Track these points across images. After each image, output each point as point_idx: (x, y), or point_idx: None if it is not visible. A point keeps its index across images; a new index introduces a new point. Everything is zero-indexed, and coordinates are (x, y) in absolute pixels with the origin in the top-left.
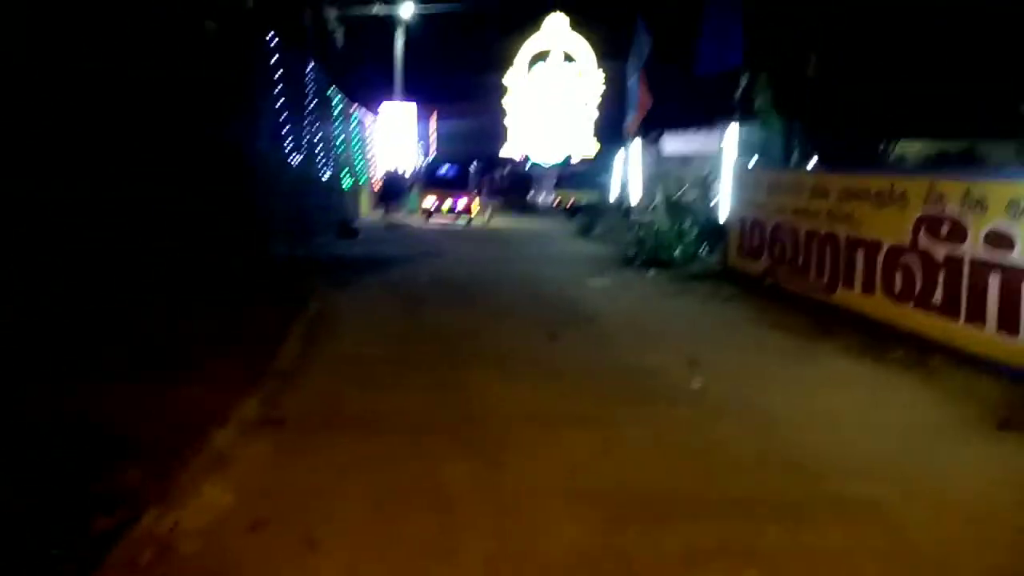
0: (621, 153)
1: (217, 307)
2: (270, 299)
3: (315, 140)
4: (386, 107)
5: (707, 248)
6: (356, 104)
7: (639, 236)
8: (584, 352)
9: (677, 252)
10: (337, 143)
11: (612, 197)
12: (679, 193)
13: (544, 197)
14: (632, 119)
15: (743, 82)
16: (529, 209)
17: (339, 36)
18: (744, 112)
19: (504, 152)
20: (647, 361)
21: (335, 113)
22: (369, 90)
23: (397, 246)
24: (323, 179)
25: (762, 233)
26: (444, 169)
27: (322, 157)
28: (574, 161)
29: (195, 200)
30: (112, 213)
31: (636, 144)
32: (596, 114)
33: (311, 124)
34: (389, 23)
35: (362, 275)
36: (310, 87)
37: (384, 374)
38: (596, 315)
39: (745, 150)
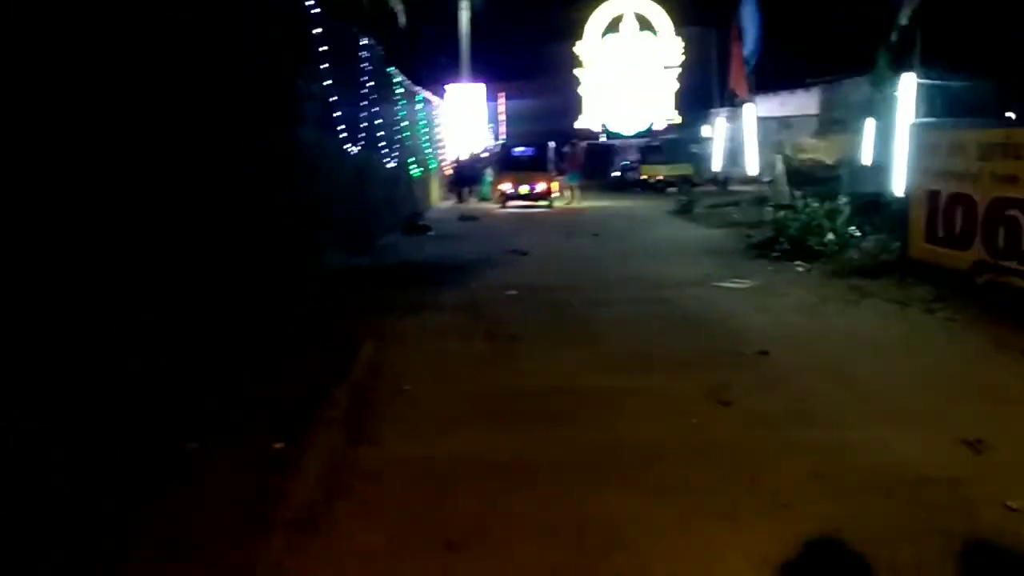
0: (715, 122)
1: (230, 359)
2: (310, 337)
3: (376, 126)
4: (453, 88)
5: (860, 231)
6: (420, 86)
7: (776, 218)
8: (784, 434)
9: (829, 237)
10: (402, 128)
11: (707, 169)
12: (801, 161)
13: (629, 173)
14: (734, 79)
15: (902, 20)
16: (613, 187)
17: (400, 14)
18: (899, 59)
19: (580, 124)
20: (904, 456)
21: (397, 96)
22: (434, 70)
23: (474, 243)
24: (387, 169)
25: (969, 213)
26: (520, 150)
27: (385, 144)
28: (657, 128)
29: (216, 203)
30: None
31: (747, 109)
32: (676, 84)
33: (370, 108)
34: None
35: (433, 290)
36: (368, 67)
37: (470, 510)
38: (758, 343)
39: (923, 106)
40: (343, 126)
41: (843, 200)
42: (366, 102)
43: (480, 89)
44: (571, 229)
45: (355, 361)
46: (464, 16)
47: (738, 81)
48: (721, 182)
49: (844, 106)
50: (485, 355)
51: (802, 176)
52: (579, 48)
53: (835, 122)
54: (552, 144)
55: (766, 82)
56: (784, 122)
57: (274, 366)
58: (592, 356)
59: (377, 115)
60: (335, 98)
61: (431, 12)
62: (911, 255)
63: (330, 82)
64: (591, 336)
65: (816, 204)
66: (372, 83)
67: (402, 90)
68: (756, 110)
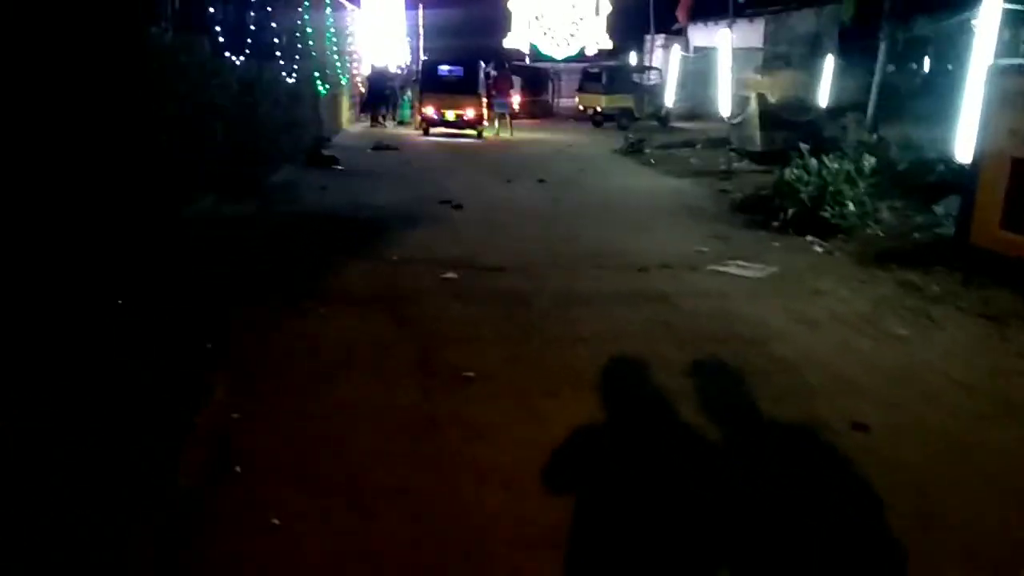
0: (671, 51)
1: None
2: (122, 368)
3: (270, 30)
4: None
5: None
6: None
7: (781, 178)
8: None
9: (850, 208)
10: (305, 36)
11: (648, 102)
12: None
13: (563, 100)
14: (681, 4)
15: None
16: (546, 115)
17: None
18: None
19: (508, 44)
20: None
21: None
22: None
23: (393, 184)
24: (285, 85)
25: None
26: (446, 69)
27: (283, 55)
28: (589, 54)
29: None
30: None
31: (721, 37)
32: (610, 6)
33: (262, 7)
34: None
35: (336, 264)
36: None
37: None
38: (838, 399)
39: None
40: (221, 28)
41: (868, 161)
42: (260, 5)
43: None
44: (510, 170)
45: (187, 444)
46: None
47: (684, 6)
48: (662, 118)
49: (791, 41)
50: (423, 423)
51: (776, 119)
52: None
53: (779, 57)
54: (484, 64)
55: (704, 10)
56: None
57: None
58: (589, 420)
59: (271, 17)
60: None
61: None
62: (975, 242)
63: None
64: (576, 375)
65: (835, 164)
66: None
67: None
68: (692, 40)
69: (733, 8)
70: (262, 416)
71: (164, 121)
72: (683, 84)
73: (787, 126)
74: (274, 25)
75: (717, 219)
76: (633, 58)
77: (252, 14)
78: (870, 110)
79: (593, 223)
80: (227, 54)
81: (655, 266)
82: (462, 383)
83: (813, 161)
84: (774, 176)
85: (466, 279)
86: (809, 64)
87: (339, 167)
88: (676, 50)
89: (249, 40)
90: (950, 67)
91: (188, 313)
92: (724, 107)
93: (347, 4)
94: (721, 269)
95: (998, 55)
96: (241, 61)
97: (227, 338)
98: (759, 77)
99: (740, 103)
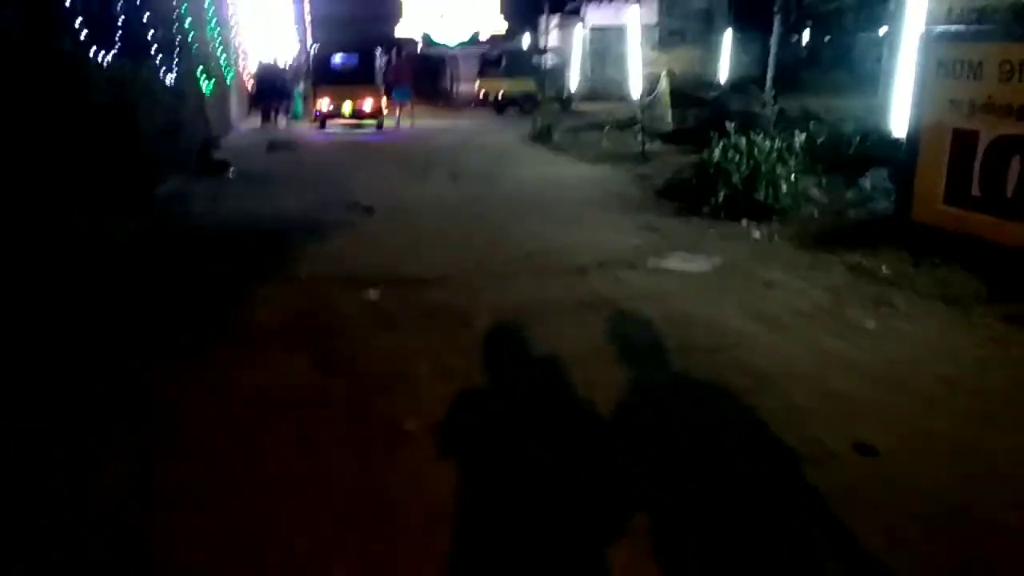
0: (574, 32)
1: None
2: None
3: (144, 24)
4: None
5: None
6: None
7: (708, 159)
8: None
9: (784, 188)
10: (185, 29)
11: (549, 85)
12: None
13: (462, 86)
14: None
15: None
16: (444, 102)
17: None
18: None
19: (400, 32)
20: None
21: None
22: None
23: (294, 188)
24: (164, 85)
25: None
26: (340, 58)
27: (160, 50)
28: (482, 39)
29: None
30: None
31: (630, 13)
32: None
33: (142, 5)
34: None
35: (241, 287)
36: None
37: None
38: (828, 415)
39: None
40: (84, 22)
41: (798, 139)
42: None
43: None
44: (419, 164)
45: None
46: None
47: None
48: (565, 101)
49: (685, 17)
50: (365, 505)
51: (686, 97)
52: None
53: (674, 33)
54: (380, 51)
55: None
56: (622, 33)
57: None
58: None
59: (144, 8)
60: None
61: None
62: (917, 218)
63: None
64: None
65: (766, 142)
66: None
67: None
68: (588, 20)
69: None
70: (163, 506)
71: (25, 133)
72: (584, 65)
73: (696, 103)
74: (147, 17)
75: (644, 207)
76: (526, 40)
77: (121, 4)
78: (768, 83)
79: (518, 219)
80: (91, 51)
81: (593, 266)
82: (402, 441)
83: (743, 140)
84: (691, 158)
85: (390, 298)
86: (704, 40)
87: (231, 171)
88: (579, 30)
89: (118, 35)
90: (828, 38)
91: (58, 370)
92: (635, 87)
93: None
94: (663, 264)
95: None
96: (111, 59)
97: (114, 404)
98: (656, 54)
99: (650, 81)
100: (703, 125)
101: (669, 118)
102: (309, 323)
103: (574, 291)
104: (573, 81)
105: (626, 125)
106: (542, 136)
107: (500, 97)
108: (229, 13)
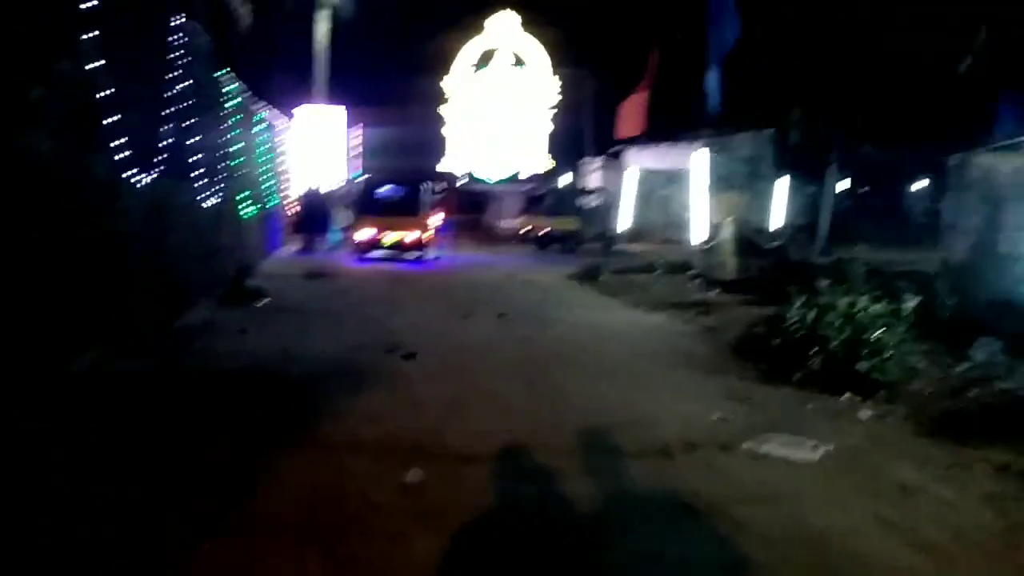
0: (596, 173)
1: None
2: None
3: (188, 146)
4: (305, 109)
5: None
6: (263, 102)
7: (786, 315)
8: None
9: (890, 357)
10: (231, 154)
11: (593, 225)
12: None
13: (505, 222)
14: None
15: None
16: (485, 237)
17: (243, 12)
18: None
19: (443, 167)
20: None
21: (228, 110)
22: (281, 88)
23: (328, 324)
24: (202, 208)
25: None
26: (386, 189)
27: (202, 173)
28: (523, 177)
29: None
30: None
31: (697, 158)
32: (551, 126)
33: (180, 119)
34: (309, 7)
35: (252, 457)
36: (181, 58)
37: None
38: None
39: None
40: (123, 140)
41: (909, 301)
42: (172, 108)
43: (340, 112)
44: (462, 302)
45: None
46: (322, 28)
47: (634, 125)
48: (607, 241)
49: (731, 163)
50: None
51: (750, 245)
52: (446, 82)
53: (720, 178)
54: (427, 184)
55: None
56: (671, 176)
57: None
58: None
59: (191, 131)
60: (110, 91)
61: (287, 22)
62: None
63: (104, 64)
64: None
65: (875, 305)
66: (185, 83)
67: (235, 102)
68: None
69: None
70: None
71: (39, 254)
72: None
73: (757, 252)
74: (192, 141)
75: (720, 368)
76: (565, 180)
77: (165, 127)
78: (821, 232)
79: (576, 374)
80: (130, 173)
81: (678, 447)
82: None
83: (843, 300)
84: (758, 311)
85: (435, 483)
86: (750, 186)
87: (265, 301)
88: (631, 171)
89: (160, 157)
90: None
91: None
92: (697, 232)
93: (282, 120)
94: (763, 450)
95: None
96: (148, 181)
97: None
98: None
99: (714, 227)
100: (769, 276)
101: (732, 266)
102: (331, 515)
103: (662, 485)
104: (618, 222)
105: (676, 269)
106: (589, 276)
107: (543, 234)
108: (277, 139)
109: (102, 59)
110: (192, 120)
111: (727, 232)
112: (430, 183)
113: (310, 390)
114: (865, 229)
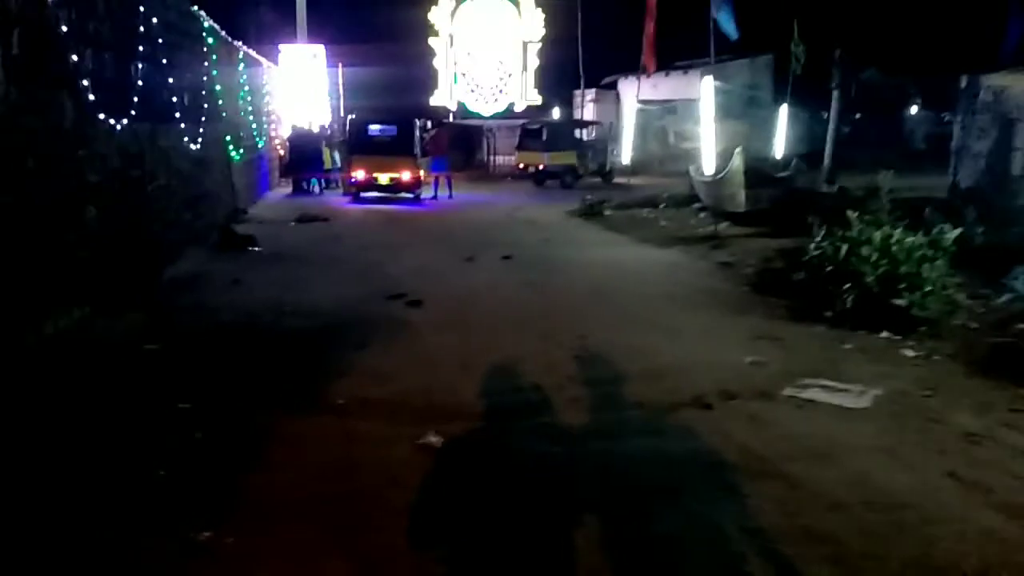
0: (588, 104)
1: None
2: None
3: (168, 88)
4: (288, 49)
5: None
6: (243, 44)
7: (831, 252)
8: None
9: (930, 291)
10: (214, 95)
11: (591, 158)
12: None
13: (499, 158)
14: (646, 53)
15: None
16: (480, 174)
17: None
18: None
19: (435, 102)
20: None
21: (206, 49)
22: (260, 27)
23: (325, 271)
24: (188, 151)
25: None
26: (377, 128)
27: (184, 116)
28: (518, 110)
29: None
30: None
31: (705, 85)
32: (537, 61)
33: (156, 60)
34: None
35: (249, 426)
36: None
37: None
38: None
39: None
40: (90, 80)
41: (949, 233)
42: (145, 48)
43: (320, 51)
44: (464, 243)
45: None
46: None
47: (648, 55)
48: (607, 175)
49: (728, 92)
50: None
51: (760, 175)
52: (433, 14)
53: (720, 108)
54: (419, 122)
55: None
56: (667, 107)
57: None
58: None
59: (168, 70)
60: (67, 28)
61: None
62: None
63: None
64: None
65: (910, 236)
66: (156, 22)
67: (213, 42)
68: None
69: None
70: None
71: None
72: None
73: (769, 183)
74: (171, 81)
75: (743, 307)
76: (556, 113)
77: (139, 67)
78: (827, 160)
79: (595, 319)
80: (103, 116)
81: (714, 395)
82: None
83: (877, 232)
84: (773, 243)
85: (453, 447)
86: (748, 115)
87: (257, 248)
88: (631, 103)
89: (136, 99)
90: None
91: None
92: (707, 163)
93: (263, 61)
94: (806, 395)
95: None
96: (124, 125)
97: None
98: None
99: (723, 158)
100: (780, 207)
101: (742, 198)
102: (344, 489)
103: (704, 440)
104: (616, 155)
105: (680, 203)
106: (591, 212)
107: (541, 170)
108: (262, 81)
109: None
110: (168, 59)
111: (736, 162)
112: (421, 119)
113: (310, 346)
114: (863, 156)
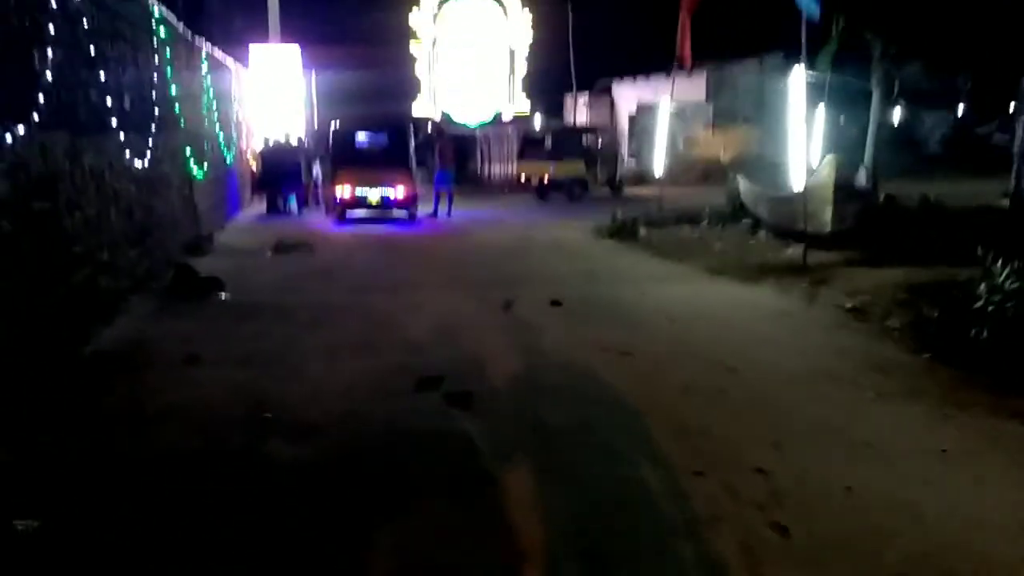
0: (581, 110)
1: None
2: None
3: (103, 90)
4: (257, 51)
5: None
6: (207, 42)
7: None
8: None
9: None
10: (168, 102)
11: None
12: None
13: (494, 169)
14: (681, 47)
15: None
16: (474, 187)
17: None
18: None
19: (418, 111)
20: None
21: (161, 48)
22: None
23: (317, 335)
24: (132, 171)
25: None
26: (365, 137)
27: (127, 127)
28: (505, 119)
29: None
30: None
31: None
32: (525, 66)
33: (87, 60)
34: None
35: None
36: None
37: None
38: None
39: None
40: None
41: None
42: (60, 32)
43: (294, 51)
44: (487, 278)
45: None
46: None
47: (684, 48)
48: (617, 186)
49: (734, 94)
50: None
51: (847, 191)
52: (415, 17)
53: (725, 112)
54: (415, 130)
55: (635, 66)
56: (674, 111)
57: None
58: None
59: (100, 66)
60: None
61: None
62: None
63: None
64: None
65: None
66: (94, 16)
67: (167, 35)
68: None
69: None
70: None
71: None
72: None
73: (853, 197)
74: (104, 80)
75: (947, 391)
76: (538, 120)
77: (49, 55)
78: (867, 166)
79: (747, 424)
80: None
81: None
82: None
83: None
84: (883, 273)
85: None
86: (758, 119)
87: (223, 294)
88: (627, 107)
89: (43, 99)
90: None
91: None
92: (796, 176)
93: (232, 64)
94: None
95: None
96: (20, 136)
97: None
98: (708, 134)
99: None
100: (868, 225)
101: (827, 217)
102: None
103: None
104: (625, 164)
105: (727, 219)
106: (626, 233)
107: (545, 182)
108: (230, 87)
109: None
110: (99, 49)
111: (825, 173)
112: (416, 128)
113: (315, 520)
114: (878, 160)
